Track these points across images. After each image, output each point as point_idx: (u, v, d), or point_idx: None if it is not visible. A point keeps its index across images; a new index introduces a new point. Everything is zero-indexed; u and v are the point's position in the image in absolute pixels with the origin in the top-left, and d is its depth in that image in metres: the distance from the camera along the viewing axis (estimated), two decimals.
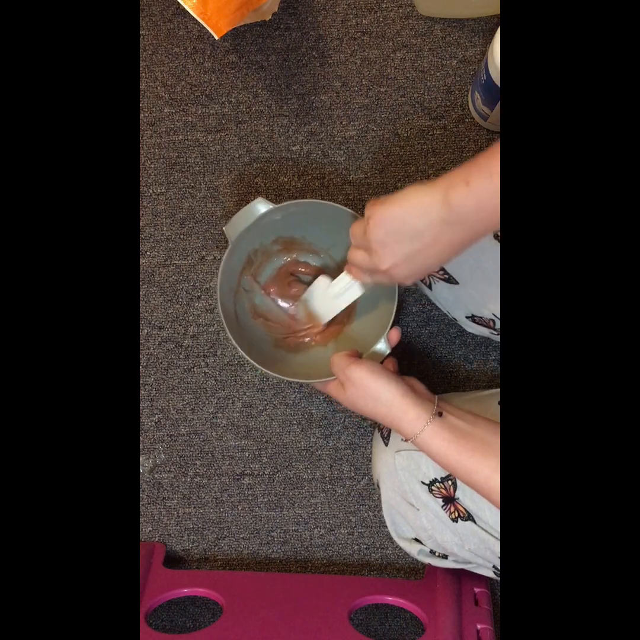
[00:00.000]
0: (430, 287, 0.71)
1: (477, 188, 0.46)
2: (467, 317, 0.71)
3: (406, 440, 0.60)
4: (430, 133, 0.86)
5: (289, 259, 0.79)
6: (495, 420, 0.60)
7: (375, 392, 0.60)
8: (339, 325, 0.78)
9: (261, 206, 0.69)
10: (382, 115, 0.86)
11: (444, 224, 0.49)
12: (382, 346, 0.68)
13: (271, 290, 0.78)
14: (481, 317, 0.69)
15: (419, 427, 0.58)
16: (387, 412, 0.60)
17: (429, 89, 0.86)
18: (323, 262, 0.79)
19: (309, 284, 0.77)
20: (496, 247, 0.62)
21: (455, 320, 0.74)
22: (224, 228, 0.69)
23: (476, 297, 0.67)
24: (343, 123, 0.86)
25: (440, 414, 0.59)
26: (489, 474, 0.55)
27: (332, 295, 0.71)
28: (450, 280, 0.67)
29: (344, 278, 0.68)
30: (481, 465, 0.55)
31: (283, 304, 0.78)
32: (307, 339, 0.78)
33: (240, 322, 0.74)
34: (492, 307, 0.66)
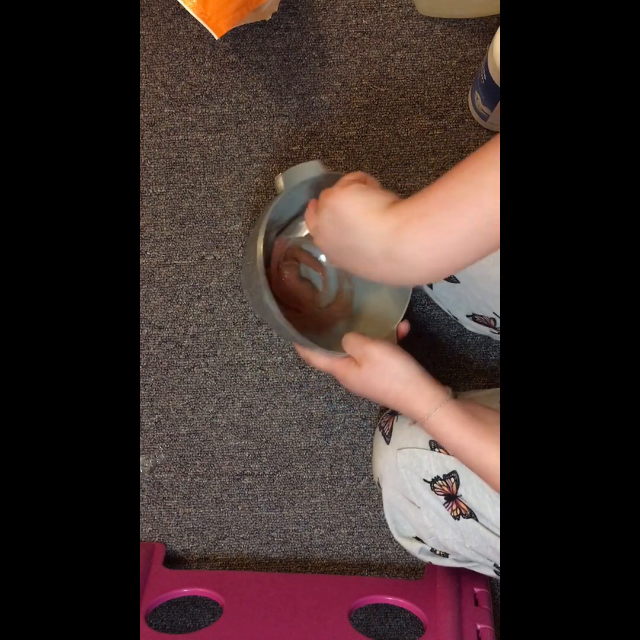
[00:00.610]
0: (430, 286, 0.71)
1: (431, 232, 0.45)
2: (467, 316, 0.71)
3: (414, 423, 0.60)
4: (430, 133, 0.86)
5: (293, 243, 0.77)
6: None
7: (394, 369, 0.60)
8: (344, 311, 0.76)
9: (318, 168, 0.66)
10: (382, 115, 0.86)
11: (385, 259, 0.48)
12: (391, 336, 0.67)
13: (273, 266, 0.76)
14: (482, 316, 0.69)
15: (435, 406, 0.58)
16: (402, 390, 0.60)
17: (429, 89, 0.86)
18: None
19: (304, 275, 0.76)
20: None
21: (456, 319, 0.74)
22: (278, 177, 0.65)
23: (477, 295, 0.67)
24: (343, 123, 0.86)
25: (455, 396, 0.59)
26: (499, 457, 0.54)
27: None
28: (450, 279, 0.67)
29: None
30: (493, 448, 0.55)
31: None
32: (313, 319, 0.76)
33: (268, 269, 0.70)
34: (492, 306, 0.66)
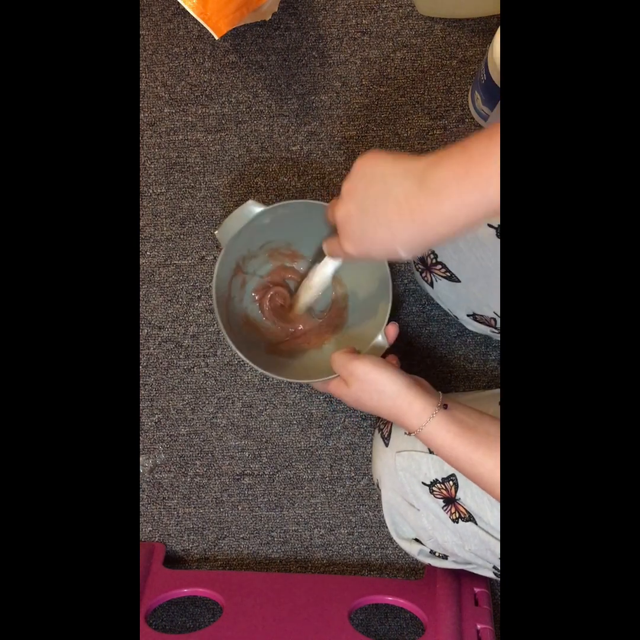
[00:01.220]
0: (431, 285, 0.71)
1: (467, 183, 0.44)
2: (468, 316, 0.71)
3: (409, 434, 0.60)
4: (430, 133, 0.86)
5: (275, 267, 0.78)
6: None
7: (380, 385, 0.60)
8: (330, 327, 0.77)
9: (252, 208, 0.68)
10: (382, 115, 0.86)
11: (417, 188, 0.46)
12: (380, 340, 0.68)
13: (258, 297, 0.78)
14: (482, 316, 0.69)
15: (425, 419, 0.58)
16: (392, 405, 0.60)
17: (429, 89, 0.86)
18: (310, 267, 0.79)
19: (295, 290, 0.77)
20: (497, 244, 0.62)
21: (457, 318, 0.74)
22: (215, 232, 0.68)
23: (477, 295, 0.67)
24: (343, 123, 0.86)
25: (445, 406, 0.59)
26: (493, 467, 0.54)
27: (309, 284, 0.71)
28: (451, 278, 0.67)
29: (316, 266, 0.68)
30: (487, 458, 0.55)
31: (271, 304, 0.78)
32: (301, 342, 0.78)
33: (234, 329, 0.73)
34: (493, 305, 0.66)
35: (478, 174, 0.43)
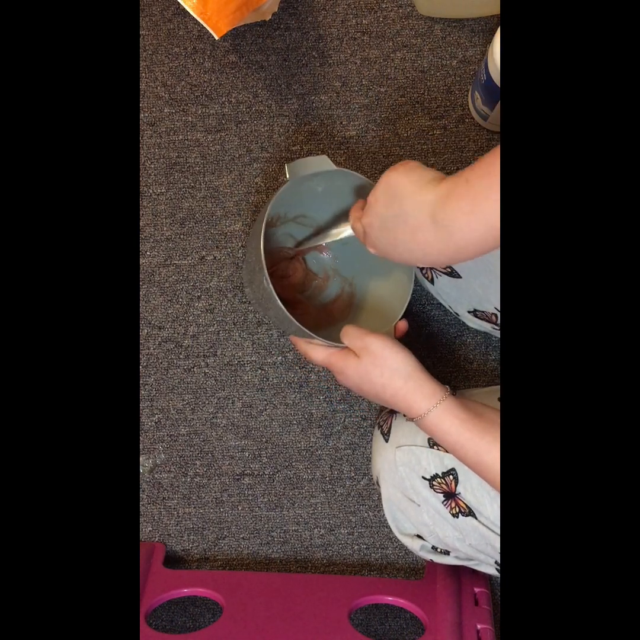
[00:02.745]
0: (432, 281, 0.71)
1: (479, 206, 0.47)
2: (469, 312, 0.71)
3: (412, 419, 0.59)
4: (430, 133, 0.86)
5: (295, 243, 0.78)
6: None
7: (395, 362, 0.59)
8: (331, 319, 0.77)
9: (326, 164, 0.67)
10: (382, 115, 0.86)
11: (430, 222, 0.50)
12: (389, 333, 0.67)
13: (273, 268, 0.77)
14: (483, 312, 0.69)
15: (434, 402, 0.58)
16: (402, 385, 0.59)
17: (429, 89, 0.86)
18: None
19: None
20: None
21: (457, 315, 0.74)
22: (287, 165, 0.65)
23: (479, 291, 0.67)
24: (343, 123, 0.86)
25: (453, 393, 0.59)
26: (498, 456, 0.54)
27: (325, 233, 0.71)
28: (452, 274, 0.67)
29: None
30: (492, 446, 0.55)
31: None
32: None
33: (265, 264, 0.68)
34: (494, 301, 0.66)
35: (482, 211, 0.47)
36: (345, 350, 0.62)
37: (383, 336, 0.61)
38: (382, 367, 0.60)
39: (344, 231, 0.67)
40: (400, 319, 0.67)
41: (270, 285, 0.61)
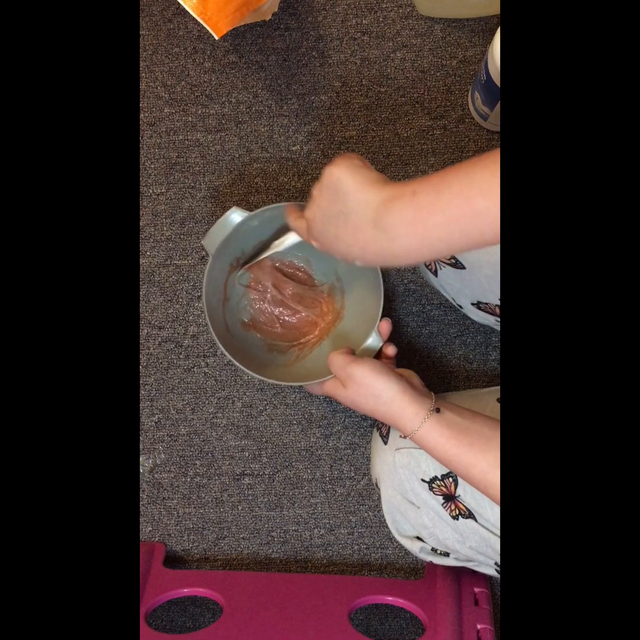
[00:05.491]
0: (435, 273, 0.70)
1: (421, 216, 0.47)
2: (472, 304, 0.71)
3: (405, 437, 0.61)
4: (430, 133, 0.86)
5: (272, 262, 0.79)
6: (493, 417, 0.60)
7: (376, 389, 0.61)
8: (325, 316, 0.78)
9: (236, 216, 0.69)
10: (382, 115, 0.86)
11: (372, 225, 0.49)
12: (373, 340, 0.69)
13: (258, 287, 0.78)
14: (487, 304, 0.69)
15: (417, 423, 0.59)
16: (386, 410, 0.61)
17: (429, 89, 0.86)
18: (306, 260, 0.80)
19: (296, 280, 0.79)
20: None
21: (461, 308, 0.74)
22: (202, 242, 0.69)
23: (483, 282, 0.66)
24: (343, 123, 0.86)
25: (437, 410, 0.60)
26: (486, 468, 0.55)
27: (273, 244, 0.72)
28: (456, 265, 0.66)
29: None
30: (479, 460, 0.56)
31: (272, 308, 0.79)
32: (306, 331, 0.79)
33: (231, 331, 0.74)
34: (498, 293, 0.66)
35: (423, 224, 0.47)
36: (334, 379, 0.66)
37: (365, 363, 0.62)
38: (365, 395, 0.62)
39: (287, 239, 0.68)
40: (381, 320, 0.69)
41: (240, 365, 0.68)
